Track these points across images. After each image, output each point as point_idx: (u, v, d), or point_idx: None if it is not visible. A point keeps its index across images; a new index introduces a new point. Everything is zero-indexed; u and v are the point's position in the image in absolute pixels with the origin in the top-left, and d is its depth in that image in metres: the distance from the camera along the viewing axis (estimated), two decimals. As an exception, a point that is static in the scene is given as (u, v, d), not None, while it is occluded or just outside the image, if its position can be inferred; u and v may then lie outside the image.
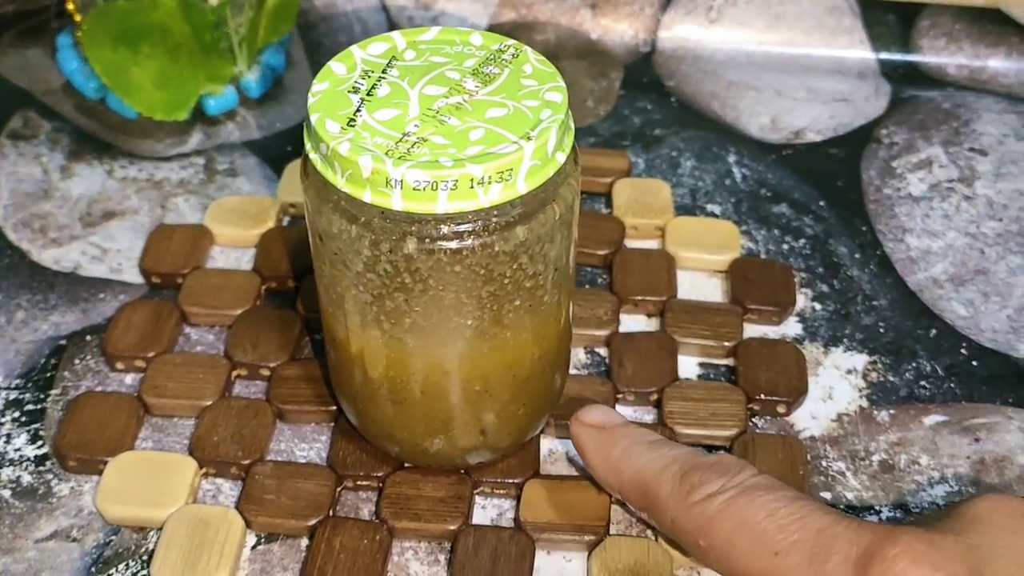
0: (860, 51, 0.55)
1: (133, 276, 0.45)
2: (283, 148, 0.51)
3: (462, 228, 0.30)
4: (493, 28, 0.57)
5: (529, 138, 0.30)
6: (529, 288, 0.32)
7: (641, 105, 0.53)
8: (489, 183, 0.29)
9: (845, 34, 0.55)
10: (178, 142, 0.51)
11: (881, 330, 0.43)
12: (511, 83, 0.32)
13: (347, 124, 0.30)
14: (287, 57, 0.54)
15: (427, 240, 0.30)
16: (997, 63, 0.54)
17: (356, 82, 0.32)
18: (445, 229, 0.30)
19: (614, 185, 0.48)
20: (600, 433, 0.35)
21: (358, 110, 0.31)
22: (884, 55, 0.54)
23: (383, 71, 0.32)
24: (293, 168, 0.49)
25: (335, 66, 0.33)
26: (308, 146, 0.31)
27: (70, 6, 0.50)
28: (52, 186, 0.49)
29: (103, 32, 0.47)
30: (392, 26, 0.57)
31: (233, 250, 0.46)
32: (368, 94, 0.31)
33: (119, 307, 0.43)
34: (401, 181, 0.29)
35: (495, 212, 0.30)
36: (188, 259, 0.45)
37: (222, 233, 0.46)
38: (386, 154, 0.29)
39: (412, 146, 0.30)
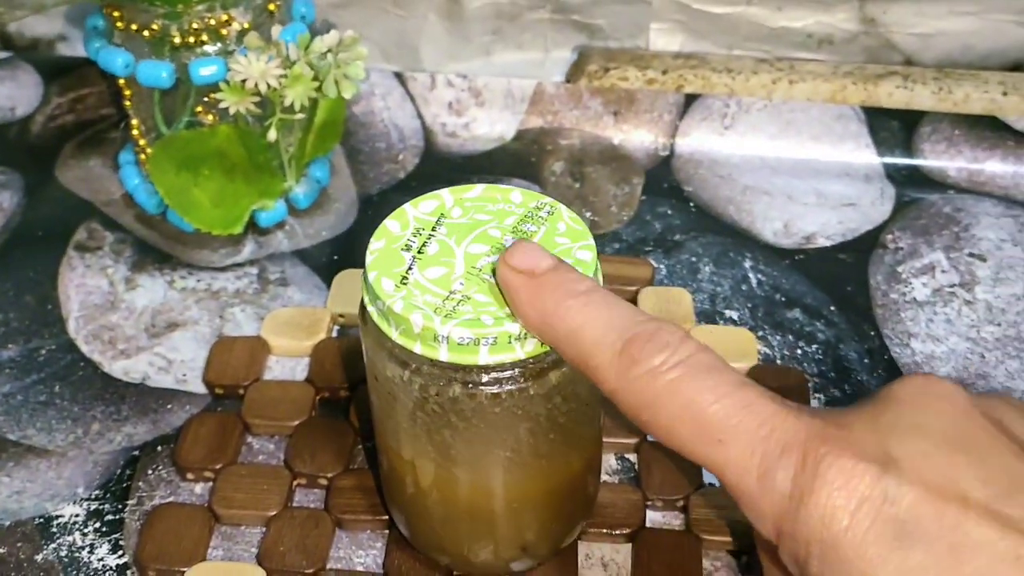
0: (866, 155, 0.58)
1: (197, 386, 0.49)
2: (330, 257, 0.55)
3: (501, 376, 0.34)
4: (521, 133, 0.61)
5: (563, 297, 0.33)
6: (562, 423, 0.36)
7: (662, 210, 0.57)
8: (525, 338, 0.33)
9: (852, 139, 0.58)
10: (232, 252, 0.55)
11: (888, 433, 0.46)
12: (546, 241, 0.36)
13: (400, 282, 0.34)
14: (331, 167, 0.58)
15: (470, 385, 0.34)
16: (994, 166, 0.57)
17: (408, 240, 0.36)
18: (486, 377, 0.34)
19: (639, 293, 0.51)
20: (530, 281, 0.33)
21: (410, 268, 0.35)
22: (888, 159, 0.58)
23: (433, 228, 0.36)
24: (340, 279, 0.53)
25: (390, 224, 0.37)
26: (366, 299, 0.35)
27: (135, 131, 0.54)
28: (118, 297, 0.53)
29: (167, 159, 0.51)
30: (426, 132, 0.61)
31: (288, 360, 0.50)
32: (419, 252, 0.35)
33: (187, 419, 0.47)
34: (447, 337, 0.33)
35: (531, 361, 0.34)
36: (248, 371, 0.48)
37: (278, 344, 0.50)
38: (434, 311, 0.33)
39: (458, 304, 0.33)
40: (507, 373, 0.34)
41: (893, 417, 0.30)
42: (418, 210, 0.37)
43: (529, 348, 0.33)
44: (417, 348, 0.34)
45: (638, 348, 0.31)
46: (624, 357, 0.31)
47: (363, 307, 0.36)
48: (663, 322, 0.32)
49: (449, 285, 0.34)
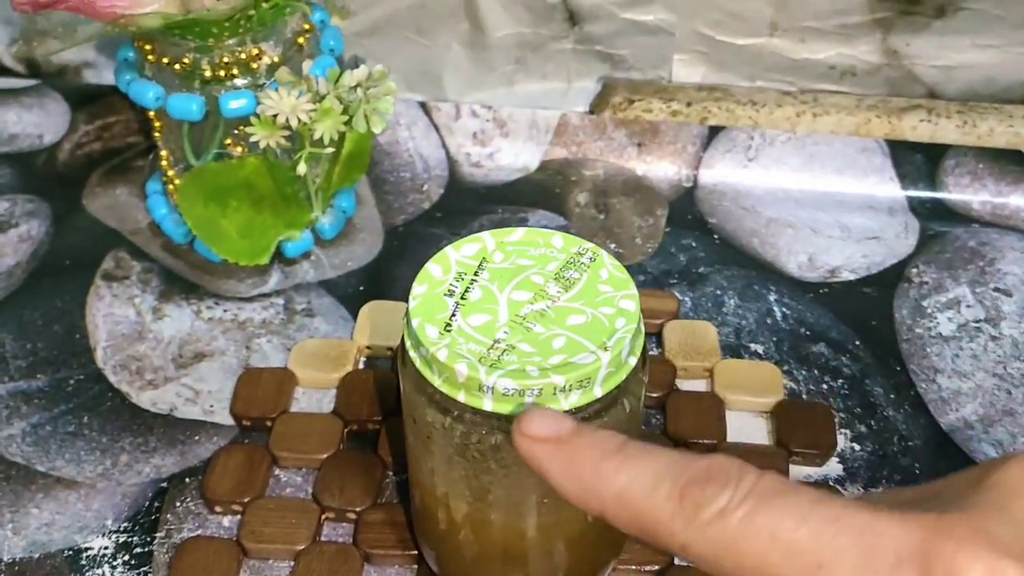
0: (890, 188, 0.58)
1: (224, 418, 0.49)
2: (356, 287, 0.55)
3: (545, 425, 0.34)
4: (545, 164, 0.61)
5: (606, 348, 0.34)
6: (603, 469, 0.36)
7: (686, 242, 0.57)
8: (570, 390, 0.33)
9: (875, 172, 0.59)
10: (259, 282, 0.55)
11: (917, 471, 0.46)
12: (589, 289, 0.36)
13: (444, 329, 0.34)
14: (356, 197, 0.59)
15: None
16: (1019, 200, 0.57)
17: (451, 285, 0.36)
18: (530, 426, 0.34)
19: (664, 326, 0.52)
20: (558, 449, 0.30)
21: (453, 315, 0.35)
22: (912, 192, 0.58)
23: (475, 273, 0.36)
24: (366, 311, 0.53)
25: (432, 268, 0.37)
26: (408, 343, 0.35)
27: (163, 162, 0.54)
28: (145, 327, 0.53)
29: (196, 191, 0.51)
30: (451, 163, 0.61)
31: (315, 392, 0.50)
32: (462, 297, 0.35)
33: (215, 451, 0.47)
34: (492, 388, 0.33)
35: (573, 411, 0.34)
36: (275, 404, 0.49)
37: (305, 376, 0.50)
38: (479, 361, 0.33)
39: (502, 353, 0.34)
40: (549, 421, 0.34)
41: (1018, 507, 0.27)
42: (460, 254, 0.37)
43: (573, 400, 0.33)
44: (461, 397, 0.34)
45: (699, 491, 0.28)
46: (685, 503, 0.28)
47: (403, 349, 0.36)
48: (713, 457, 0.29)
49: (493, 334, 0.34)
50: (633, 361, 0.35)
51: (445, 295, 0.36)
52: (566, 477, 0.30)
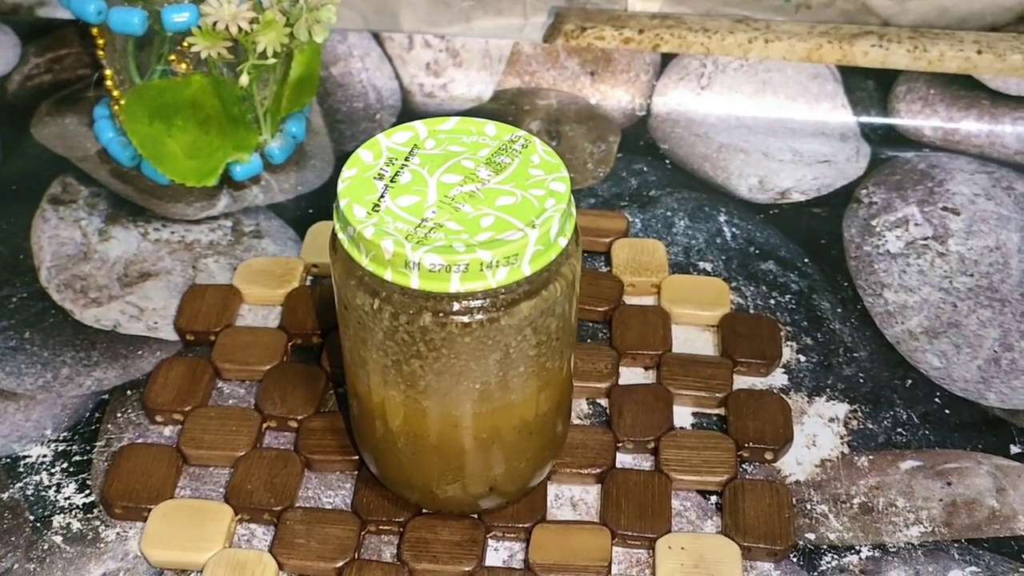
0: (842, 114, 0.58)
1: (168, 333, 0.48)
2: (305, 211, 0.55)
3: (472, 305, 0.34)
4: (499, 94, 0.61)
5: (534, 226, 0.33)
6: (533, 356, 0.36)
7: (637, 167, 0.57)
8: (497, 266, 0.33)
9: (828, 99, 0.59)
10: (207, 206, 0.55)
11: (861, 380, 0.46)
12: (520, 173, 0.35)
13: (372, 209, 0.34)
14: (307, 125, 0.58)
15: (440, 314, 0.34)
16: (969, 125, 0.57)
17: (381, 169, 0.36)
18: (457, 305, 0.34)
19: (613, 245, 0.51)
20: None
21: (382, 196, 0.35)
22: (864, 118, 0.58)
23: (406, 159, 0.36)
24: (314, 230, 0.52)
25: (363, 153, 0.36)
26: (337, 226, 0.35)
27: (108, 83, 0.54)
28: (91, 248, 0.52)
29: (140, 108, 0.51)
30: (404, 93, 0.61)
31: (261, 308, 0.50)
32: (392, 181, 0.35)
33: (157, 364, 0.47)
34: (418, 264, 0.33)
35: (502, 291, 0.34)
36: (219, 318, 0.48)
37: (250, 293, 0.50)
38: (406, 238, 0.33)
39: (429, 231, 0.33)
40: (478, 302, 0.34)
41: None
42: (391, 141, 0.37)
43: (500, 277, 0.33)
44: (388, 275, 0.33)
45: None
46: None
47: (333, 235, 0.36)
48: None
49: (421, 213, 0.34)
50: (564, 243, 0.35)
51: (375, 178, 0.35)
52: None
